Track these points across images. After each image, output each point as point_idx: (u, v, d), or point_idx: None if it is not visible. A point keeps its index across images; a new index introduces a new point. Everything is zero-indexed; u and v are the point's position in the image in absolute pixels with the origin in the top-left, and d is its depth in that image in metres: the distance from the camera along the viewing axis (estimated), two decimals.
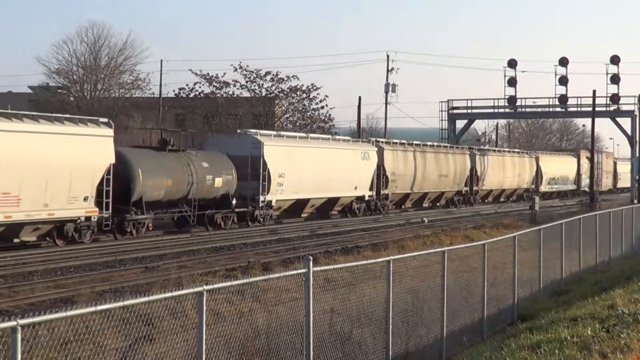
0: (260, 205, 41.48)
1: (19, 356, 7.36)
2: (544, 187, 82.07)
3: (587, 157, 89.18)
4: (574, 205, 64.17)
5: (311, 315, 11.36)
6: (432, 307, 15.65)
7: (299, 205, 45.86)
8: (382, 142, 55.72)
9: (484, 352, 14.47)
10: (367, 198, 51.37)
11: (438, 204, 62.92)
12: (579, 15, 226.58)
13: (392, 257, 14.09)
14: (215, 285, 10.19)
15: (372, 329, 13.69)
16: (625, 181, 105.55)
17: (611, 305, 17.42)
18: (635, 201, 65.26)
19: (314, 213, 48.35)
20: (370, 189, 51.64)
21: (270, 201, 42.23)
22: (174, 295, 9.40)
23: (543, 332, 15.09)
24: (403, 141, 58.91)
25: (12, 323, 7.31)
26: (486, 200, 70.87)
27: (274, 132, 47.23)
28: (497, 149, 76.60)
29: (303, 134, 50.93)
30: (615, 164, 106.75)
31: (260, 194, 41.34)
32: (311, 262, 11.50)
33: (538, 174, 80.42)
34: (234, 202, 39.75)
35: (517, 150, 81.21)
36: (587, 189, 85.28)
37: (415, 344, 14.85)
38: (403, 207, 58.46)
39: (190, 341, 10.22)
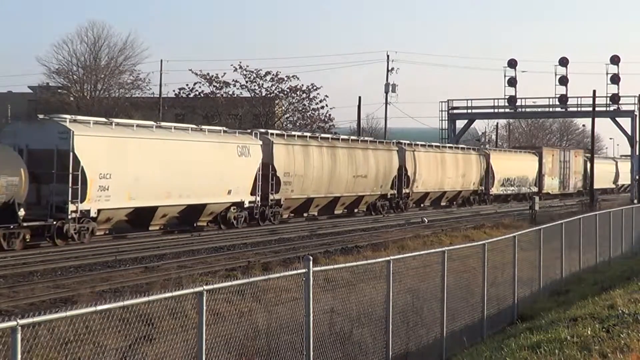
0: (70, 217, 31.07)
1: (19, 356, 7.36)
2: (496, 189, 71.84)
3: (552, 155, 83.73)
4: (574, 205, 64.12)
5: (311, 315, 11.36)
6: (432, 307, 15.65)
7: (142, 216, 35.41)
8: (271, 134, 44.35)
9: (484, 352, 14.47)
10: (247, 205, 40.57)
11: (356, 210, 51.88)
12: (579, 15, 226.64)
13: (392, 257, 14.09)
14: (215, 285, 10.19)
15: (372, 329, 13.68)
16: (600, 181, 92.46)
17: (611, 305, 17.41)
18: (635, 201, 65.24)
19: (171, 224, 38.12)
20: (253, 193, 40.98)
21: (88, 211, 31.62)
22: (174, 295, 9.40)
23: (543, 332, 15.08)
24: (305, 134, 49.71)
25: (12, 323, 7.31)
26: (422, 205, 60.83)
27: (97, 119, 34.97)
28: (434, 144, 63.96)
29: (148, 122, 37.75)
30: (586, 162, 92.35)
31: (69, 202, 30.98)
32: (311, 262, 11.50)
33: (489, 174, 69.92)
34: (21, 213, 29.24)
35: (463, 146, 68.92)
36: (551, 192, 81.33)
37: (415, 344, 14.85)
38: (306, 214, 47.50)
39: (190, 341, 10.22)
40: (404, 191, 55.98)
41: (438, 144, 66.96)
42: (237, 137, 40.83)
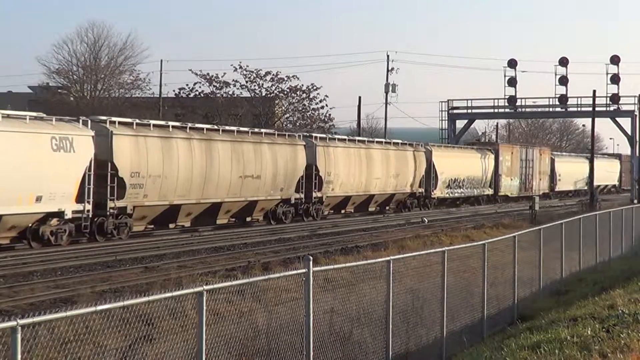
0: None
1: (19, 356, 7.36)
2: (440, 192, 61.93)
3: (512, 153, 75.08)
4: (574, 205, 64.11)
5: (311, 315, 11.36)
6: (432, 307, 15.65)
7: None
8: (112, 122, 33.76)
9: (484, 352, 14.48)
10: (71, 216, 30.73)
11: (249, 218, 41.90)
12: (579, 15, 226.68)
13: (392, 257, 14.09)
14: (215, 285, 10.19)
15: (372, 329, 13.69)
16: (566, 183, 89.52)
17: (611, 305, 17.42)
18: (635, 201, 65.27)
19: None
20: (82, 200, 31.10)
21: None
22: (174, 295, 9.40)
23: (543, 332, 15.09)
24: (169, 123, 38.23)
25: (12, 323, 7.31)
26: (343, 211, 50.93)
27: None
28: (357, 138, 54.16)
29: None
30: (553, 161, 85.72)
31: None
32: (311, 262, 11.50)
33: (431, 174, 60.24)
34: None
35: (397, 141, 57.59)
36: (509, 194, 73.40)
37: (415, 344, 14.85)
38: (174, 225, 37.29)
39: (190, 341, 10.22)
40: (314, 195, 45.76)
41: (363, 137, 57.44)
42: (55, 125, 30.58)
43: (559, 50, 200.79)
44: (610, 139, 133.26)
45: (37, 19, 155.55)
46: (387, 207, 55.42)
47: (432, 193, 60.52)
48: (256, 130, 43.71)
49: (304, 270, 11.44)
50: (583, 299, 19.94)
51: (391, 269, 13.66)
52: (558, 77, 76.52)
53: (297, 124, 75.53)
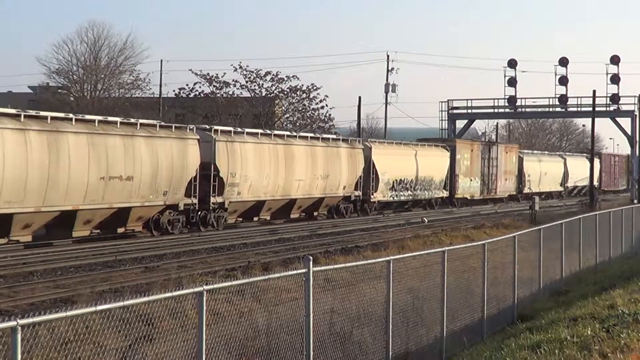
0: None
1: (19, 356, 7.36)
2: (381, 194, 53.30)
3: (471, 151, 67.04)
4: (574, 205, 64.10)
5: (311, 315, 11.37)
6: (432, 307, 15.66)
7: None
8: None
9: (484, 352, 14.48)
10: None
11: (122, 229, 33.78)
12: (579, 15, 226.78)
13: (392, 257, 14.10)
14: (215, 285, 10.20)
15: (372, 329, 13.69)
16: (536, 183, 79.89)
17: (611, 305, 17.43)
18: (635, 201, 65.28)
19: None
20: None
21: None
22: (174, 295, 9.41)
23: (543, 332, 15.10)
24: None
25: (12, 323, 7.32)
26: (256, 218, 42.42)
27: None
28: (275, 132, 45.37)
29: None
30: (521, 161, 77.11)
31: None
32: (311, 262, 11.50)
33: (370, 175, 51.53)
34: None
35: (328, 136, 51.17)
36: (469, 197, 65.85)
37: (415, 344, 14.86)
38: (5, 240, 28.53)
39: (190, 341, 10.22)
40: (213, 200, 38.09)
41: (282, 131, 48.79)
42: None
43: (559, 50, 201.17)
44: (610, 139, 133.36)
45: (37, 19, 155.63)
46: (316, 213, 47.47)
47: (372, 196, 51.92)
48: (128, 120, 34.76)
49: (304, 270, 11.45)
50: (583, 299, 19.94)
51: (391, 269, 13.66)
52: (558, 77, 76.52)
53: (297, 124, 75.54)
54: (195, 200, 36.86)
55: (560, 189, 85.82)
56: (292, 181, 43.77)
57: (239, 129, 41.34)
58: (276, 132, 45.78)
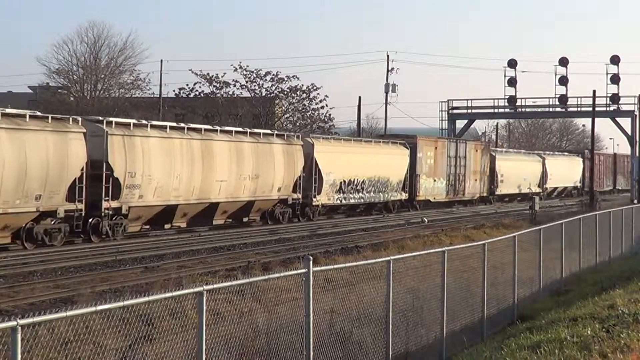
0: None
1: (19, 356, 7.36)
2: (326, 197, 47.16)
3: (435, 148, 60.69)
4: (574, 205, 64.10)
5: (311, 315, 11.37)
6: (432, 307, 15.66)
7: None
8: None
9: (484, 352, 14.48)
10: None
11: None
12: (579, 15, 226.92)
13: (392, 257, 14.10)
14: (215, 285, 10.20)
15: (372, 329, 13.69)
16: (510, 184, 73.42)
17: (611, 305, 17.42)
18: (635, 201, 65.32)
19: None
20: None
21: None
22: (174, 295, 9.41)
23: (543, 332, 15.09)
24: None
25: (12, 323, 7.32)
26: (168, 226, 36.86)
27: None
28: (188, 125, 38.64)
29: None
30: (493, 159, 70.48)
31: None
32: (311, 262, 11.50)
33: (313, 175, 45.57)
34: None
35: (257, 130, 43.33)
36: (432, 199, 59.81)
37: (415, 344, 14.86)
38: None
39: (190, 341, 10.23)
40: (107, 205, 32.32)
41: (198, 125, 40.48)
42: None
43: (559, 50, 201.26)
44: (610, 139, 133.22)
45: (37, 19, 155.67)
46: (246, 219, 41.26)
47: (315, 199, 45.89)
48: None
49: (304, 270, 11.45)
50: (583, 299, 19.94)
51: (391, 269, 13.66)
52: (558, 77, 76.55)
53: (297, 124, 75.58)
54: (81, 206, 31.06)
55: (538, 190, 78.56)
56: (212, 182, 37.76)
57: (143, 121, 35.51)
58: (192, 125, 39.34)
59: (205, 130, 38.78)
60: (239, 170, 39.64)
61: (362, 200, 51.42)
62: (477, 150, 67.24)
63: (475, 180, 66.48)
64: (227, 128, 41.42)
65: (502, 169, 71.87)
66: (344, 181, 48.91)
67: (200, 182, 37.10)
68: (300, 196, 44.54)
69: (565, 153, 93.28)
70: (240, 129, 41.86)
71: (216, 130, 39.40)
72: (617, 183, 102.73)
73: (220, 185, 38.32)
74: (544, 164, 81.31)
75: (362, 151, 51.91)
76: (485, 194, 69.06)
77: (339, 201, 49.04)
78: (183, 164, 36.06)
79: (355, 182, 50.07)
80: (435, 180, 60.30)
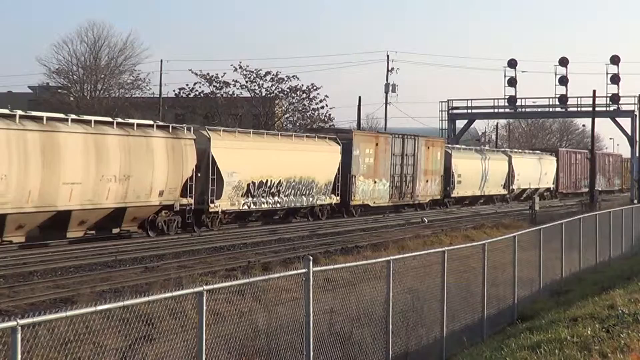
0: None
1: (19, 356, 7.36)
2: (229, 202, 39.02)
3: (376, 145, 52.15)
4: (574, 205, 64.09)
5: (311, 315, 11.36)
6: (432, 307, 15.66)
7: None
8: None
9: (484, 352, 14.48)
10: None
11: None
12: (579, 15, 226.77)
13: (392, 257, 14.10)
14: (215, 285, 10.20)
15: (372, 329, 13.69)
16: (469, 185, 64.99)
17: (611, 305, 17.42)
18: (635, 201, 65.32)
19: None
20: None
21: None
22: (174, 295, 9.41)
23: (543, 332, 15.09)
24: None
25: (12, 323, 7.32)
26: (85, 232, 31.80)
27: None
28: (19, 113, 28.31)
29: None
30: (448, 157, 62.22)
31: None
32: (311, 262, 11.50)
33: (209, 175, 37.28)
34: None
35: (131, 121, 34.34)
36: (372, 203, 51.49)
37: (415, 344, 14.86)
38: None
39: (190, 341, 10.23)
40: None
41: (39, 113, 29.88)
42: None
43: (559, 50, 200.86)
44: (610, 139, 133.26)
45: (37, 19, 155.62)
46: (117, 230, 32.98)
47: (213, 205, 37.69)
48: None
49: (304, 270, 11.44)
50: (583, 299, 19.94)
51: (391, 269, 13.66)
52: (558, 77, 76.58)
53: (297, 124, 75.55)
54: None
55: (504, 192, 71.35)
56: (59, 185, 29.29)
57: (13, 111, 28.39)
58: (33, 113, 29.81)
59: (49, 119, 29.58)
60: (100, 169, 31.02)
61: (279, 205, 43.25)
62: (428, 148, 58.38)
63: (427, 181, 58.10)
64: (84, 117, 31.97)
65: (459, 168, 63.17)
66: (253, 183, 40.71)
67: (40, 185, 28.54)
68: (192, 201, 36.06)
69: (537, 151, 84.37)
70: (102, 118, 33.58)
71: (66, 120, 30.15)
72: (597, 184, 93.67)
73: (72, 189, 29.81)
74: (510, 163, 72.29)
75: (278, 147, 43.03)
76: (438, 197, 60.23)
77: (246, 206, 40.51)
78: (12, 162, 27.60)
79: (268, 184, 42.00)
80: (375, 182, 51.94)
